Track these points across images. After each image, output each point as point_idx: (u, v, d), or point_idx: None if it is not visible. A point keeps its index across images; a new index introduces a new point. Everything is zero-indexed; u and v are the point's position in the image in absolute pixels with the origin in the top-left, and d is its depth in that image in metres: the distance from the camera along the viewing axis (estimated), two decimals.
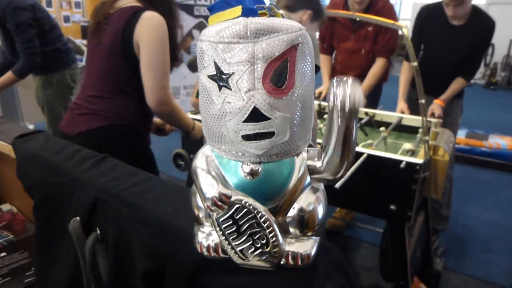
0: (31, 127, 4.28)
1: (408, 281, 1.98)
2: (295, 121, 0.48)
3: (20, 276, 1.02)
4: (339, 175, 0.51)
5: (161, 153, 1.85)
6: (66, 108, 3.22)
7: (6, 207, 1.32)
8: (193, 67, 5.03)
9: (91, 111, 1.63)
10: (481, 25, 2.55)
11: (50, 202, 0.86)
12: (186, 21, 4.78)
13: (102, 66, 1.64)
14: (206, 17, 4.93)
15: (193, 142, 1.99)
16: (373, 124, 2.44)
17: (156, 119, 1.85)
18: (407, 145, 1.91)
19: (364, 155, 1.79)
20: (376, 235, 2.74)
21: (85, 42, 5.75)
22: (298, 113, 0.48)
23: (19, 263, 1.07)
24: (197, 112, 2.38)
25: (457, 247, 2.94)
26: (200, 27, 4.96)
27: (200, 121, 2.00)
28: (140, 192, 0.73)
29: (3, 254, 1.10)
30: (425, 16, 2.75)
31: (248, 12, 0.47)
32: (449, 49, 2.65)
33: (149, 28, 1.55)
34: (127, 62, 1.59)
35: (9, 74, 2.85)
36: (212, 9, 0.50)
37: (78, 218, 0.79)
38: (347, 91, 0.46)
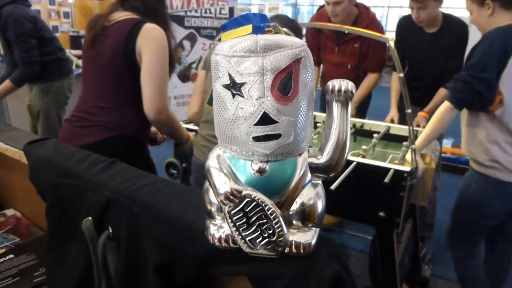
0: None
1: (397, 287, 2.02)
2: (299, 125, 0.54)
3: (29, 276, 1.06)
4: (336, 159, 0.59)
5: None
6: (60, 117, 3.26)
7: (10, 212, 1.36)
8: (183, 77, 5.02)
9: (95, 123, 1.64)
10: (453, 31, 2.62)
11: (63, 203, 0.90)
12: (177, 32, 4.79)
13: (104, 76, 1.66)
14: (196, 28, 4.97)
15: (185, 151, 2.02)
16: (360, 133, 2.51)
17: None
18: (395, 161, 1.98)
19: (354, 163, 1.84)
20: (365, 243, 2.80)
21: (73, 52, 5.75)
22: (301, 118, 0.55)
23: (27, 264, 1.10)
24: (189, 121, 2.42)
25: (444, 254, 2.98)
26: (191, 37, 4.96)
27: (192, 130, 2.05)
28: (151, 192, 0.79)
29: (11, 255, 1.13)
30: (403, 27, 2.82)
31: (257, 30, 0.54)
32: (427, 57, 2.71)
33: (151, 38, 1.60)
34: (130, 71, 1.62)
35: (6, 83, 2.88)
36: (225, 27, 0.56)
37: (90, 218, 0.84)
38: (341, 81, 0.57)
